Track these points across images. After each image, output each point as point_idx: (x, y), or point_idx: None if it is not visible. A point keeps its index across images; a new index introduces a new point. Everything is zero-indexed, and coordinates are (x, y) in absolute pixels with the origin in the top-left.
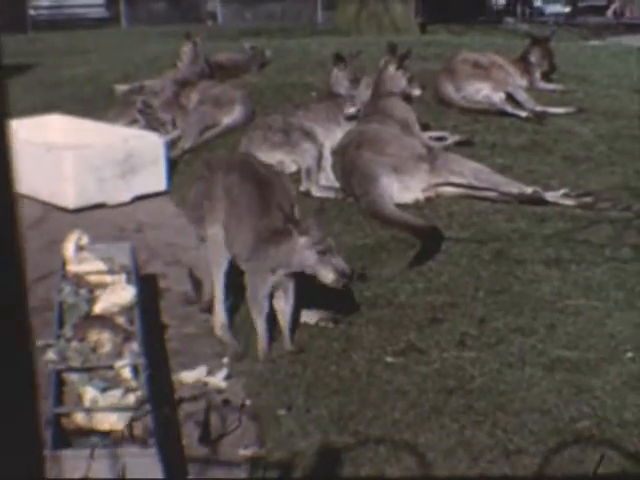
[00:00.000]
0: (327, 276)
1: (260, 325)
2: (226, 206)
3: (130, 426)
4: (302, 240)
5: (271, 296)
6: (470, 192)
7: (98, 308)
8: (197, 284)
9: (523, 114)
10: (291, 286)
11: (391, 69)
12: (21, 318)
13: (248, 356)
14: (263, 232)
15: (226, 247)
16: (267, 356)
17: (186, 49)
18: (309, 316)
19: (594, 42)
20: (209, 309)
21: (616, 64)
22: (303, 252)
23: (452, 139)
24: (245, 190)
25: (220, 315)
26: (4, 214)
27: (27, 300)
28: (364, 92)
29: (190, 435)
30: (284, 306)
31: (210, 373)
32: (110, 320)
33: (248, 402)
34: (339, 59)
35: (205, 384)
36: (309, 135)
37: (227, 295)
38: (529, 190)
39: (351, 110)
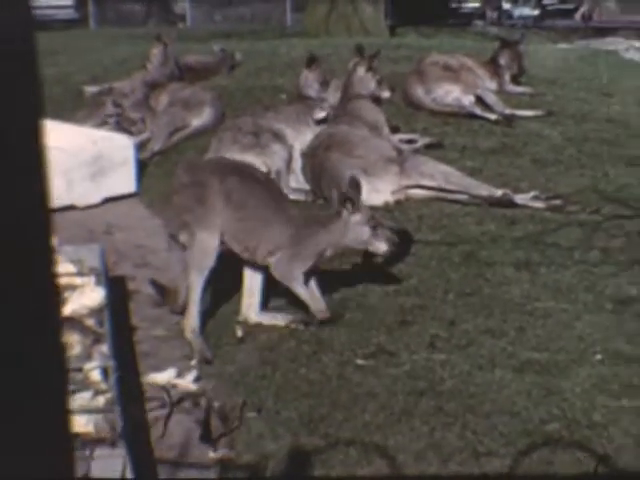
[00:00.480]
0: (381, 248)
1: (304, 292)
2: (231, 213)
3: (99, 428)
4: (356, 217)
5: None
6: (440, 195)
7: (67, 310)
8: (164, 289)
9: (493, 117)
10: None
11: (360, 71)
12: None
13: (217, 359)
14: (300, 220)
15: (215, 253)
16: (324, 313)
17: (156, 51)
18: (279, 318)
19: (563, 45)
20: (182, 312)
21: (585, 67)
22: (359, 229)
23: (422, 142)
24: (253, 192)
25: (193, 319)
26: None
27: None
28: (334, 94)
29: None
30: (312, 284)
31: (179, 375)
32: (79, 322)
33: (217, 404)
34: (312, 60)
35: (174, 386)
36: (279, 137)
37: (202, 300)
38: (499, 193)
39: (320, 114)
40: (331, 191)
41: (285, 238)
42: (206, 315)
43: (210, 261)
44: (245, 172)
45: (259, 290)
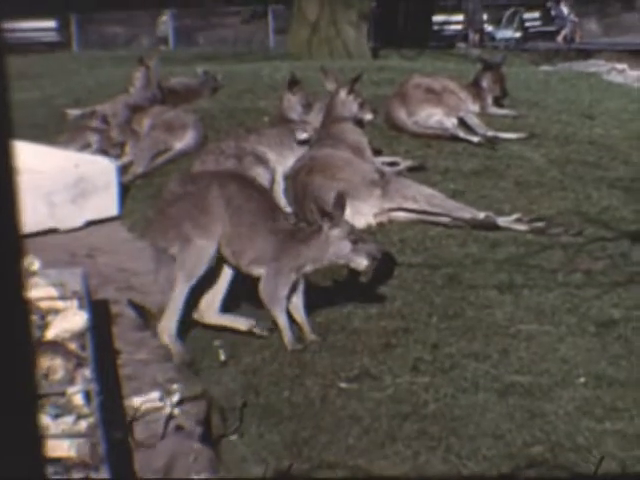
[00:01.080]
0: (361, 263)
1: (283, 320)
2: (229, 218)
3: (82, 452)
4: (335, 232)
5: None
6: (423, 217)
7: (50, 334)
8: (144, 310)
9: (475, 139)
10: (302, 282)
11: (342, 94)
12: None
13: (200, 382)
14: (286, 233)
15: (210, 261)
16: (294, 345)
17: (138, 74)
18: (240, 322)
19: (545, 67)
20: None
21: (567, 89)
22: (338, 244)
23: (404, 164)
24: (250, 198)
25: (171, 322)
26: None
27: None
28: (317, 117)
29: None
30: (297, 301)
31: (163, 399)
32: (62, 346)
33: (199, 429)
34: (293, 83)
35: (158, 409)
36: (261, 160)
37: (185, 309)
38: (482, 215)
39: (303, 135)
40: (314, 214)
41: (269, 248)
42: (186, 336)
43: (202, 268)
44: (243, 179)
45: (224, 291)
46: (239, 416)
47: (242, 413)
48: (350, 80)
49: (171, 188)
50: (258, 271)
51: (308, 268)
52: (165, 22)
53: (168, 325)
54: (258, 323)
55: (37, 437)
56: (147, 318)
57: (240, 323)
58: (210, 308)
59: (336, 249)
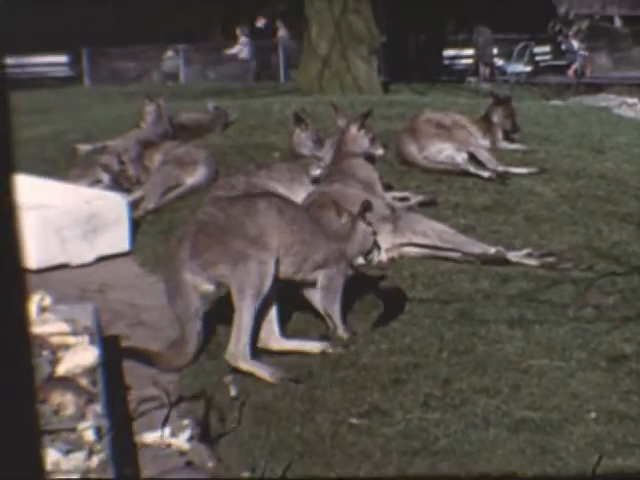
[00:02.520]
0: (376, 254)
1: (339, 317)
2: (286, 227)
3: None
4: (368, 228)
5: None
6: (433, 252)
7: (61, 370)
8: (149, 354)
9: (486, 174)
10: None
11: (353, 129)
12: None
13: (210, 418)
14: (335, 234)
15: (273, 276)
16: (350, 339)
17: (149, 109)
18: (309, 345)
19: (555, 102)
20: (188, 364)
21: (577, 124)
22: (369, 236)
23: (415, 199)
24: (297, 207)
25: (242, 347)
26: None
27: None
28: (328, 153)
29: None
30: (322, 300)
31: (173, 435)
32: (73, 382)
33: (211, 464)
34: (299, 120)
35: (168, 445)
36: None
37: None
38: (492, 250)
39: (317, 172)
40: None
41: (332, 250)
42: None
43: (268, 284)
44: (277, 194)
45: (276, 313)
46: (238, 416)
47: (241, 413)
48: (360, 116)
49: (207, 212)
50: (318, 275)
51: (356, 262)
52: (171, 57)
53: (240, 350)
54: (331, 342)
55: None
56: (153, 359)
57: (311, 346)
58: (271, 334)
59: (367, 242)
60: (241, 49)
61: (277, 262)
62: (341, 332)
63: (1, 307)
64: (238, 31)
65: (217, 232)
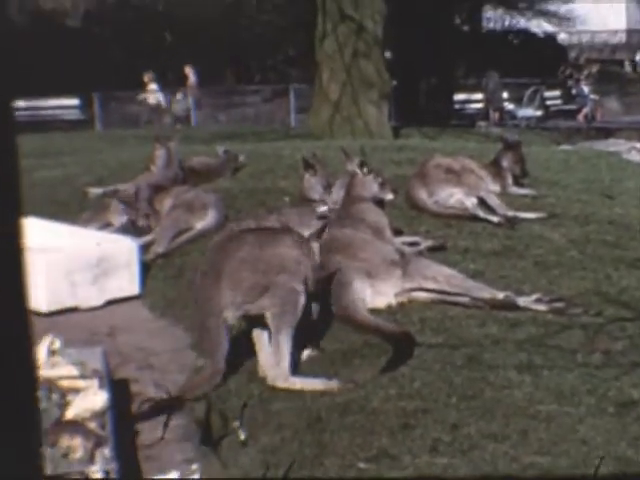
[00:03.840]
0: None
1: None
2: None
3: None
4: None
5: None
6: (443, 297)
7: (70, 413)
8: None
9: (495, 219)
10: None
11: (362, 174)
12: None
13: (219, 462)
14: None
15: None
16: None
17: (159, 153)
18: (318, 383)
19: (565, 146)
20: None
21: (587, 169)
22: None
23: (425, 244)
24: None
25: (282, 369)
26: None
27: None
28: (338, 193)
29: None
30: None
31: (182, 478)
32: (82, 425)
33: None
34: (308, 165)
35: None
36: None
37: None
38: (501, 295)
39: (323, 209)
40: (334, 293)
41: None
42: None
43: (301, 310)
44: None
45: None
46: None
47: (242, 415)
48: (360, 161)
49: (237, 247)
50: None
51: None
52: (179, 101)
53: (284, 373)
54: (336, 379)
55: None
56: (172, 403)
57: (316, 384)
58: (279, 374)
59: None
60: (154, 95)
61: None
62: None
63: (7, 349)
64: (147, 78)
65: (252, 265)
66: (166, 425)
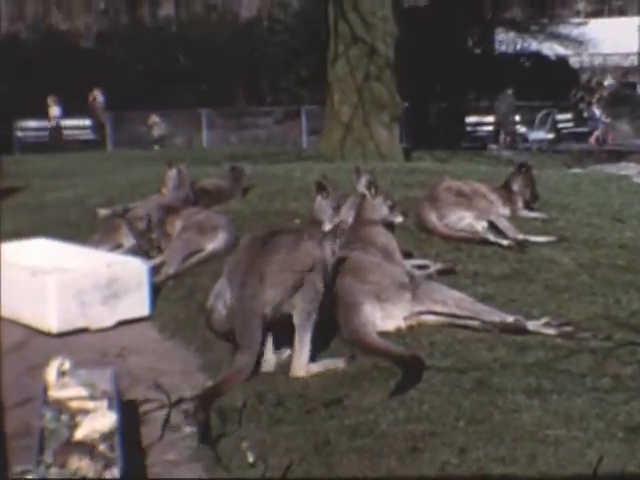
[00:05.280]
0: None
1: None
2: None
3: None
4: None
5: None
6: (452, 321)
7: (79, 434)
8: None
9: (505, 242)
10: None
11: (372, 196)
12: None
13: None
14: None
15: None
16: None
17: (171, 174)
18: (331, 363)
19: (576, 170)
20: None
21: (597, 192)
22: None
23: (434, 267)
24: None
25: (303, 360)
26: None
27: None
28: (346, 213)
29: None
30: None
31: None
32: (91, 446)
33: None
34: (320, 187)
35: None
36: None
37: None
38: (510, 319)
39: (328, 226)
40: (344, 316)
41: None
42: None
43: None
44: None
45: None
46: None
47: (242, 415)
48: (368, 182)
49: (272, 249)
50: None
51: None
52: (157, 123)
53: (303, 363)
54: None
55: None
56: (210, 397)
57: (331, 364)
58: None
59: None
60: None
61: None
62: None
63: None
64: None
65: (290, 265)
66: (165, 426)
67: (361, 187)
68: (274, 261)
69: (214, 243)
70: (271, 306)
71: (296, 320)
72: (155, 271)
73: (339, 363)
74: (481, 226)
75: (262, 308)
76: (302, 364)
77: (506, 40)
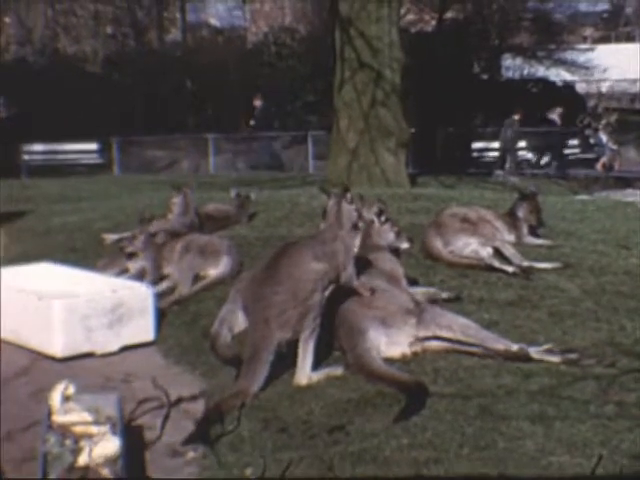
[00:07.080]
0: None
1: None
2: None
3: None
4: None
5: None
6: (457, 347)
7: (83, 460)
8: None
9: (510, 269)
10: None
11: (378, 223)
12: None
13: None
14: None
15: None
16: None
17: (176, 200)
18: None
19: (582, 196)
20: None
21: (603, 219)
22: None
23: (440, 296)
24: None
25: (306, 370)
26: None
27: None
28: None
29: None
30: None
31: None
32: (95, 471)
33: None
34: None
35: None
36: None
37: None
38: (515, 347)
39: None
40: (349, 341)
41: None
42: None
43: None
44: None
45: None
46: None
47: (240, 414)
48: (378, 209)
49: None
50: None
51: None
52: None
53: (306, 372)
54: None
55: None
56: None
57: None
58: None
59: None
60: None
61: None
62: None
63: None
64: None
65: (294, 296)
66: (164, 425)
67: (369, 214)
68: (277, 303)
69: (217, 269)
70: (281, 342)
71: (301, 336)
72: (160, 296)
73: (338, 371)
74: (486, 252)
75: (272, 345)
76: (305, 374)
77: (513, 66)
